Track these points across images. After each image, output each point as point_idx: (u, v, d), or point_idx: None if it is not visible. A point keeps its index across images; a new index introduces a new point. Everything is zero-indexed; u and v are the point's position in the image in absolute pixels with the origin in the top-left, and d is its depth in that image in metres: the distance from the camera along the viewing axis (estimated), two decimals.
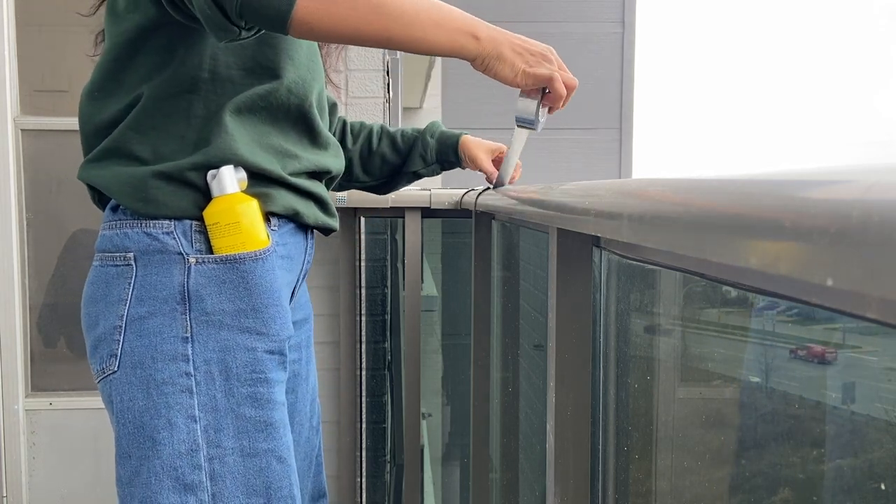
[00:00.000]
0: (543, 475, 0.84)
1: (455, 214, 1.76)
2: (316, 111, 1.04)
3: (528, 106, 1.07)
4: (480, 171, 1.38)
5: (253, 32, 0.87)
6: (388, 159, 1.39)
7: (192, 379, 0.89)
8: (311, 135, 1.05)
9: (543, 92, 1.06)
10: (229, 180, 0.93)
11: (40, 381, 2.13)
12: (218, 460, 0.89)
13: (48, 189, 2.11)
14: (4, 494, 2.09)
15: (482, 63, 0.97)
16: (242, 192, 0.95)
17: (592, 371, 0.79)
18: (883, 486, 0.41)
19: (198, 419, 0.89)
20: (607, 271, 0.80)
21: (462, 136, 1.41)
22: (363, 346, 1.90)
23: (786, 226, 0.29)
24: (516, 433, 1.52)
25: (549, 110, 1.11)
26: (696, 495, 0.67)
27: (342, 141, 1.36)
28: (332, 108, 1.33)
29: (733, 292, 0.57)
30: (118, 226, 0.94)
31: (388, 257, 1.93)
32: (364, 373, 1.91)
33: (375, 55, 1.89)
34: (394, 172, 1.41)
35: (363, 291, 1.89)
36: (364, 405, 1.91)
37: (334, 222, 1.12)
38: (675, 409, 0.74)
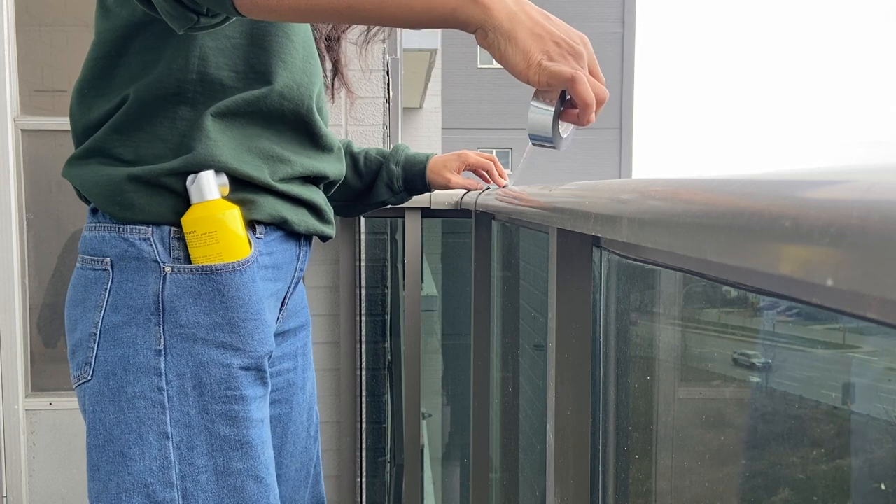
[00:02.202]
0: (543, 475, 0.84)
1: (455, 214, 1.76)
2: (316, 114, 1.00)
3: (543, 118, 0.80)
4: (455, 188, 1.39)
5: (217, 20, 0.80)
6: (348, 181, 1.34)
7: (165, 394, 0.86)
8: (311, 138, 1.01)
9: (563, 98, 0.81)
10: (208, 186, 0.89)
11: (40, 381, 2.13)
12: (190, 478, 0.86)
13: (48, 189, 2.11)
14: (4, 494, 2.08)
15: (485, 38, 0.75)
16: (224, 198, 0.90)
17: (592, 371, 0.79)
18: (883, 486, 0.41)
19: (170, 435, 0.86)
20: (607, 271, 0.80)
21: (429, 161, 1.37)
22: (363, 346, 1.90)
23: (786, 226, 0.29)
24: (516, 433, 1.52)
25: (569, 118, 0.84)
26: (696, 495, 0.67)
27: None
28: None
29: (733, 292, 0.57)
30: (97, 228, 0.91)
31: (388, 257, 1.93)
32: (364, 373, 1.91)
33: (375, 55, 1.89)
34: (357, 196, 1.38)
35: (363, 291, 1.89)
36: (364, 405, 1.91)
37: (329, 230, 1.08)
38: (675, 409, 0.74)
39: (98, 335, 0.88)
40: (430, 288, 2.12)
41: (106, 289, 0.88)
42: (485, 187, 1.44)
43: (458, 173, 1.39)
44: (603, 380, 0.81)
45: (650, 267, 0.71)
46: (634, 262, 0.73)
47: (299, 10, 0.75)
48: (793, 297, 0.37)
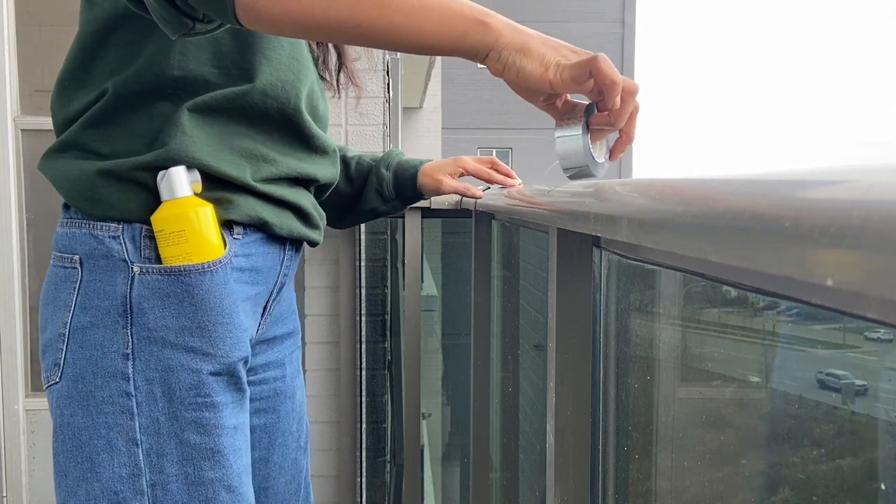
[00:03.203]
0: (543, 475, 0.84)
1: (455, 214, 1.76)
2: (305, 115, 0.96)
3: (572, 144, 0.75)
4: (448, 193, 1.28)
5: (213, 27, 0.77)
6: (338, 187, 1.25)
7: (133, 399, 0.83)
8: (301, 139, 0.97)
9: (588, 115, 0.77)
10: (179, 183, 0.85)
11: (40, 382, 2.13)
12: (160, 487, 0.83)
13: (48, 189, 2.11)
14: (4, 494, 2.08)
15: (498, 59, 0.74)
16: (198, 195, 0.87)
17: (592, 371, 0.79)
18: (883, 486, 0.41)
19: (139, 442, 0.83)
20: (607, 271, 0.80)
21: (421, 167, 1.28)
22: (363, 346, 1.90)
23: (786, 226, 0.29)
24: (516, 433, 1.52)
25: (613, 147, 0.79)
26: (696, 495, 0.67)
27: None
28: None
29: (733, 292, 0.57)
30: (68, 224, 0.89)
31: (388, 257, 1.93)
32: (364, 373, 1.91)
33: (375, 55, 1.89)
34: (348, 205, 1.29)
35: (363, 291, 1.89)
36: (364, 405, 1.91)
37: (315, 235, 1.03)
38: (675, 409, 0.74)
39: (67, 336, 0.85)
40: (430, 288, 2.12)
41: (75, 288, 0.85)
42: (484, 188, 1.41)
43: (454, 178, 1.29)
44: (603, 380, 0.81)
45: (650, 267, 0.71)
46: (634, 262, 0.73)
47: (304, 26, 0.73)
48: (793, 297, 0.37)
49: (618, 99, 0.75)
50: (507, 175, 1.30)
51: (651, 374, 0.77)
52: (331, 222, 1.32)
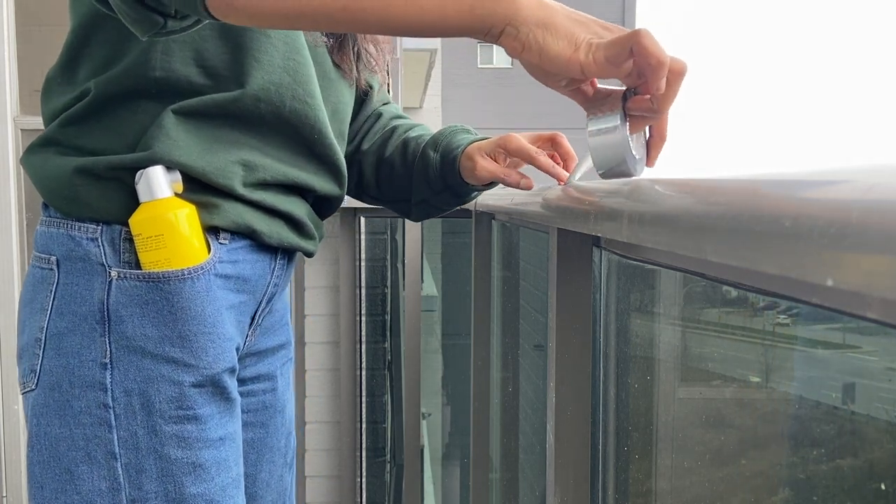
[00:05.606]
0: (543, 475, 0.84)
1: (455, 214, 1.75)
2: (307, 118, 0.90)
3: (611, 137, 0.64)
4: (491, 180, 0.99)
5: (188, 23, 0.70)
6: (396, 171, 1.06)
7: (111, 411, 0.79)
8: (302, 144, 0.91)
9: (625, 100, 0.66)
10: (157, 183, 0.80)
11: None
12: (140, 503, 0.80)
13: None
14: (4, 494, 2.09)
15: (516, 36, 0.62)
16: (178, 196, 0.82)
17: (592, 371, 0.79)
18: (883, 486, 0.41)
19: (118, 456, 0.79)
20: (607, 271, 0.80)
21: (466, 147, 1.00)
22: (363, 346, 1.90)
23: (786, 226, 0.29)
24: (516, 433, 1.52)
25: (649, 151, 0.68)
26: (697, 495, 0.67)
27: (363, 139, 1.09)
28: (362, 101, 1.10)
29: (733, 292, 0.57)
30: (47, 224, 0.85)
31: (388, 257, 1.93)
32: (364, 373, 1.91)
33: None
34: (404, 192, 1.07)
35: (363, 291, 1.89)
36: (364, 405, 1.91)
37: (310, 245, 0.95)
38: (675, 409, 0.74)
39: (43, 341, 0.81)
40: (430, 288, 2.12)
41: (51, 291, 0.82)
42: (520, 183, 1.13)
43: (497, 160, 0.99)
44: (603, 380, 0.82)
45: (650, 267, 0.71)
46: (634, 262, 0.73)
47: (282, 14, 0.66)
48: (793, 297, 0.37)
49: (663, 82, 0.62)
50: (566, 158, 0.97)
51: (651, 374, 0.77)
52: (400, 211, 1.14)
